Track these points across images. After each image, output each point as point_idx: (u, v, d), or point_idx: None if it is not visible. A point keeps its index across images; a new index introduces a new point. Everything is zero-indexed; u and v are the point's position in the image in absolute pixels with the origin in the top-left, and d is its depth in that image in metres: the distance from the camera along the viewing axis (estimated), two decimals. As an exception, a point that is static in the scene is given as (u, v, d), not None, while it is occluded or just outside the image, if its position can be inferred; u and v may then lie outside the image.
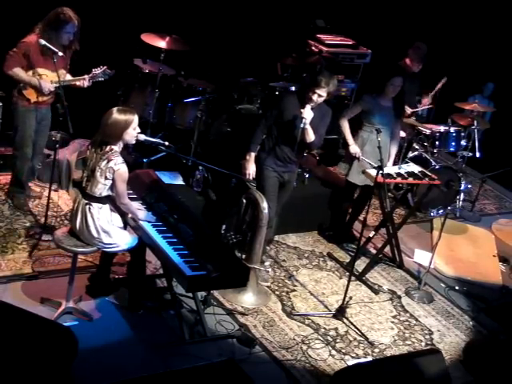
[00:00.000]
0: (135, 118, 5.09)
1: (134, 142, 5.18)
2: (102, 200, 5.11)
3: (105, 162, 5.00)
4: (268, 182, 6.18)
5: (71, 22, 5.86)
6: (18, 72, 5.92)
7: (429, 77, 8.31)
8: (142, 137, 5.20)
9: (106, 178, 5.02)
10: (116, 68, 6.18)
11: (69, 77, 6.11)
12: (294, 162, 6.29)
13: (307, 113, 5.92)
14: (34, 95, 6.02)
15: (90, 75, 6.07)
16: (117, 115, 5.03)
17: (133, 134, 5.10)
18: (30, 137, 6.21)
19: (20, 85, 6.00)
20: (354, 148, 6.81)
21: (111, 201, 5.17)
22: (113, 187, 5.07)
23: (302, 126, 5.92)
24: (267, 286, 6.26)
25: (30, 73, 5.95)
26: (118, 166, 5.00)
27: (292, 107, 6.05)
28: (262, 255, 6.28)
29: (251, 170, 6.16)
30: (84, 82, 6.07)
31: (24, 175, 6.42)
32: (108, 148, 5.03)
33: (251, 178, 6.18)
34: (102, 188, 5.06)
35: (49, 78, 5.95)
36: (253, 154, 6.16)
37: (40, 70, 5.95)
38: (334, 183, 7.57)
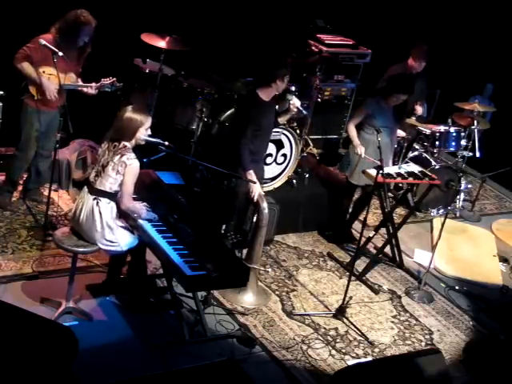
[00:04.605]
0: (149, 119, 5.20)
1: (143, 142, 5.24)
2: (111, 196, 5.13)
3: (118, 156, 5.07)
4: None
5: (89, 24, 5.90)
6: (26, 67, 5.90)
7: (429, 78, 8.30)
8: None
9: (117, 173, 5.07)
10: (116, 68, 6.18)
11: (79, 82, 6.09)
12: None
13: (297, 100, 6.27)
14: (36, 92, 5.99)
15: (98, 84, 6.08)
16: (133, 114, 5.12)
17: (144, 134, 5.19)
18: (34, 139, 6.19)
19: (27, 81, 5.98)
20: (360, 148, 6.78)
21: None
22: (121, 184, 5.10)
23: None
24: (265, 271, 6.30)
25: (40, 70, 5.92)
26: (131, 161, 5.07)
27: (262, 114, 6.04)
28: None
29: (258, 191, 6.04)
30: (90, 90, 6.06)
31: (18, 176, 6.41)
32: (122, 145, 5.11)
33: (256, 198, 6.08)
34: (113, 182, 5.09)
35: (56, 79, 5.92)
36: (252, 172, 6.05)
37: (48, 70, 5.93)
38: (334, 183, 7.57)
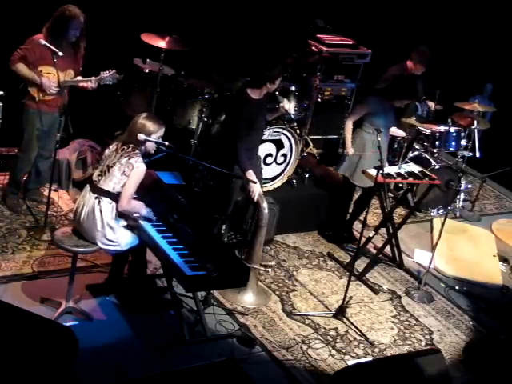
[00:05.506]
0: (162, 129, 5.24)
1: (152, 151, 5.27)
2: (113, 196, 5.13)
3: (126, 158, 5.10)
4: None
5: (77, 18, 5.85)
6: (21, 68, 5.91)
7: (429, 78, 8.30)
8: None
9: (123, 173, 5.09)
10: (116, 68, 6.17)
11: (78, 78, 6.07)
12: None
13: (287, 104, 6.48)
14: (37, 93, 5.99)
15: (98, 78, 6.05)
16: (147, 121, 5.16)
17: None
18: (36, 139, 6.19)
19: (25, 83, 5.98)
20: (349, 150, 6.85)
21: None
22: (123, 185, 5.10)
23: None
24: (270, 266, 6.31)
25: (38, 70, 5.91)
26: (138, 164, 5.10)
27: (254, 111, 6.04)
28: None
29: (258, 190, 6.06)
30: (90, 84, 6.04)
31: (22, 177, 6.41)
32: (131, 148, 5.14)
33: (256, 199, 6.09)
34: (116, 182, 5.11)
35: (54, 78, 5.92)
36: (251, 171, 6.05)
37: (46, 69, 5.93)
38: (334, 183, 7.57)
